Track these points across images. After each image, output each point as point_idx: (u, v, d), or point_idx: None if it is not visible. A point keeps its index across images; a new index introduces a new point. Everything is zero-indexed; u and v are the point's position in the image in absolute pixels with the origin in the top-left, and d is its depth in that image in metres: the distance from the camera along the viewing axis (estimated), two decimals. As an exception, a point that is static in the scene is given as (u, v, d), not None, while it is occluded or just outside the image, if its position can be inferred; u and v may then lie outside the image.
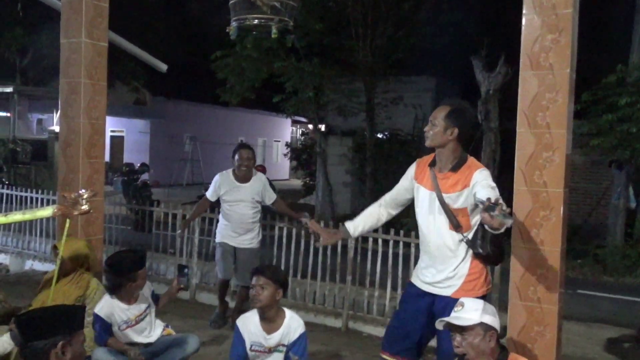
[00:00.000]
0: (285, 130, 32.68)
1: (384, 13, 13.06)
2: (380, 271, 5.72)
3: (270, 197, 5.40)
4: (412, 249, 5.36)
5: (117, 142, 24.29)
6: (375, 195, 13.17)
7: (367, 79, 13.55)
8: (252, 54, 12.72)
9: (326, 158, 14.97)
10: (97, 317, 3.66)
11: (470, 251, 3.02)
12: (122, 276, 3.64)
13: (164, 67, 8.58)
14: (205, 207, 5.65)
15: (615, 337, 5.58)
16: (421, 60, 15.61)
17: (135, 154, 21.99)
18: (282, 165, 31.46)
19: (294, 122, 28.91)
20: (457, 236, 3.01)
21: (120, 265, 3.67)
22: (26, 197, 8.05)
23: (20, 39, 20.34)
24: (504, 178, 9.86)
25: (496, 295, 5.06)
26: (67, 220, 3.60)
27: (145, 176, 14.70)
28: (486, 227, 2.66)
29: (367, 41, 13.13)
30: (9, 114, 19.86)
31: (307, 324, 3.58)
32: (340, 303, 5.89)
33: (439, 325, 2.75)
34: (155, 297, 3.99)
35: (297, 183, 22.83)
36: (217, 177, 5.33)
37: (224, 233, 5.32)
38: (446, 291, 3.05)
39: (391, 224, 5.06)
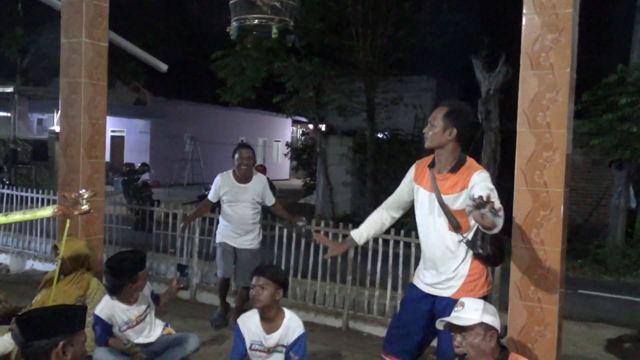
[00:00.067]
0: (286, 130, 32.68)
1: (384, 13, 13.07)
2: (380, 271, 5.72)
3: (270, 200, 5.40)
4: (413, 249, 5.36)
5: (118, 142, 24.30)
6: (375, 195, 13.24)
7: (367, 78, 13.55)
8: (252, 53, 12.74)
9: (326, 158, 14.98)
10: (97, 319, 3.66)
11: (471, 252, 3.01)
12: (122, 277, 3.64)
13: (164, 67, 8.57)
14: (208, 208, 5.65)
15: (615, 337, 5.58)
16: (421, 60, 15.61)
17: (135, 154, 22.00)
18: (282, 165, 31.46)
19: (295, 122, 28.91)
20: (457, 237, 3.01)
21: (120, 267, 3.66)
22: (26, 197, 8.05)
23: (21, 39, 20.33)
24: (504, 178, 9.86)
25: (496, 295, 5.06)
26: (68, 220, 3.60)
27: (145, 176, 14.71)
28: (478, 226, 2.66)
29: (368, 41, 13.13)
30: (9, 114, 19.85)
31: (307, 323, 3.59)
32: (340, 303, 5.89)
33: (439, 325, 2.75)
34: (155, 297, 3.99)
35: (297, 183, 22.84)
36: (217, 178, 5.33)
37: (225, 233, 5.32)
38: (446, 292, 3.05)
39: (391, 224, 5.08)
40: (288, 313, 3.46)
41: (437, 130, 3.02)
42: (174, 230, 6.95)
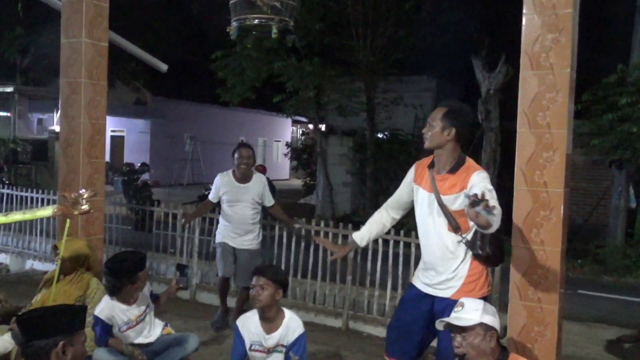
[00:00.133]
0: (286, 130, 32.69)
1: (384, 13, 13.07)
2: (380, 271, 5.72)
3: (269, 200, 5.39)
4: (413, 249, 5.36)
5: (118, 142, 24.30)
6: (375, 195, 13.25)
7: (367, 78, 13.56)
8: (252, 53, 12.75)
9: (326, 158, 14.98)
10: (97, 320, 3.66)
11: (470, 252, 3.01)
12: (122, 278, 3.64)
13: (164, 67, 8.57)
14: (209, 208, 5.66)
15: (615, 337, 5.58)
16: (421, 60, 15.63)
17: (135, 154, 22.00)
18: (282, 165, 31.47)
19: (295, 122, 28.93)
20: (456, 237, 3.01)
21: (120, 268, 3.66)
22: (26, 197, 8.05)
23: (21, 39, 20.33)
24: (504, 178, 9.89)
25: (496, 295, 5.06)
26: (68, 220, 3.60)
27: (145, 176, 14.71)
28: (474, 224, 2.66)
29: (368, 41, 13.14)
30: (9, 114, 19.86)
31: (307, 323, 3.59)
32: (340, 303, 5.89)
33: (439, 325, 2.75)
34: (154, 297, 3.99)
35: (297, 183, 22.85)
36: (217, 178, 5.33)
37: (224, 233, 5.31)
38: (446, 292, 3.05)
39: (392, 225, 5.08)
40: (288, 313, 3.46)
41: (436, 130, 3.02)
42: (174, 230, 6.95)
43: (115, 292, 3.69)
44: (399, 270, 5.56)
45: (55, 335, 2.18)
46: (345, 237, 5.75)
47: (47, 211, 3.60)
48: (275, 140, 32.29)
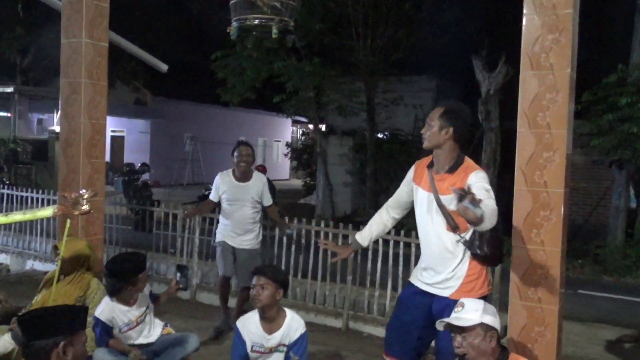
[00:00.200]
0: (286, 130, 32.69)
1: (384, 13, 13.08)
2: (380, 271, 5.72)
3: (268, 200, 5.35)
4: (413, 249, 5.36)
5: (118, 142, 24.30)
6: (375, 195, 13.26)
7: (367, 78, 13.57)
8: (252, 54, 12.75)
9: (326, 158, 14.99)
10: (98, 321, 3.65)
11: (469, 252, 3.02)
12: (122, 280, 3.63)
13: (164, 67, 8.57)
14: (210, 207, 5.62)
15: (615, 337, 5.58)
16: (421, 60, 15.64)
17: (135, 154, 22.00)
18: (282, 165, 31.47)
19: (295, 122, 28.93)
20: (455, 237, 3.01)
21: (121, 269, 3.65)
22: (27, 197, 8.05)
23: (21, 39, 20.36)
24: (504, 178, 9.89)
25: (496, 295, 5.06)
26: (68, 221, 3.60)
27: (145, 176, 14.72)
28: (471, 226, 2.66)
29: (368, 41, 13.15)
30: (9, 114, 19.88)
31: (307, 324, 3.58)
32: (340, 303, 5.89)
33: (439, 326, 2.75)
34: (153, 297, 3.99)
35: (297, 183, 22.85)
36: (217, 178, 5.32)
37: (224, 233, 5.29)
38: (445, 292, 3.05)
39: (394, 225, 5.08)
40: (290, 313, 3.46)
41: (434, 130, 3.04)
42: (174, 231, 6.95)
43: (115, 293, 3.68)
44: (399, 270, 5.56)
45: (56, 335, 2.18)
46: (345, 237, 5.75)
47: (47, 211, 3.60)
48: (276, 141, 32.30)
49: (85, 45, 4.66)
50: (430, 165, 3.14)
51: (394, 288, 5.62)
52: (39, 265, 7.66)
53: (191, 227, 6.70)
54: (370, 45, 13.20)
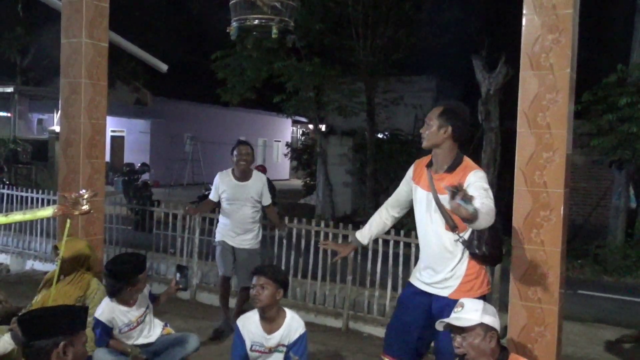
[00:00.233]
0: (286, 130, 32.69)
1: (384, 13, 13.08)
2: (380, 271, 5.72)
3: (267, 200, 5.33)
4: (413, 249, 5.36)
5: (118, 142, 24.30)
6: (375, 195, 13.25)
7: (367, 79, 13.57)
8: (252, 54, 12.75)
9: (326, 158, 14.99)
10: (98, 322, 3.65)
11: (468, 252, 3.02)
12: (122, 281, 3.63)
13: (164, 67, 8.57)
14: (210, 207, 5.59)
15: (615, 337, 5.58)
16: (421, 60, 15.64)
17: (135, 154, 22.00)
18: (282, 166, 31.47)
19: (295, 122, 28.93)
20: (454, 236, 3.02)
21: (121, 270, 3.65)
22: (27, 197, 8.05)
23: (21, 39, 20.37)
24: (504, 178, 9.89)
25: (496, 295, 5.06)
26: (68, 221, 3.60)
27: (145, 176, 14.73)
28: (469, 225, 2.66)
29: (368, 41, 13.15)
30: (9, 114, 19.89)
31: (307, 324, 3.59)
32: (340, 303, 5.89)
33: (439, 326, 2.75)
34: (153, 297, 3.99)
35: (297, 183, 22.85)
36: (216, 177, 5.31)
37: (224, 232, 5.27)
38: (444, 292, 3.05)
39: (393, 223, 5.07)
40: (290, 313, 3.46)
41: (432, 129, 3.05)
42: (174, 231, 6.95)
43: (115, 294, 3.68)
44: (399, 270, 5.56)
45: (56, 335, 2.18)
46: (345, 237, 5.75)
47: (47, 211, 3.60)
48: (276, 141, 32.30)
49: (85, 45, 4.66)
50: (429, 165, 3.15)
51: (394, 288, 5.62)
52: (39, 265, 7.66)
53: (191, 227, 6.70)
54: (371, 45, 13.20)
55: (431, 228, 3.09)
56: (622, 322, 6.42)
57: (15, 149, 18.24)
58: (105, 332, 3.66)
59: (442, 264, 3.06)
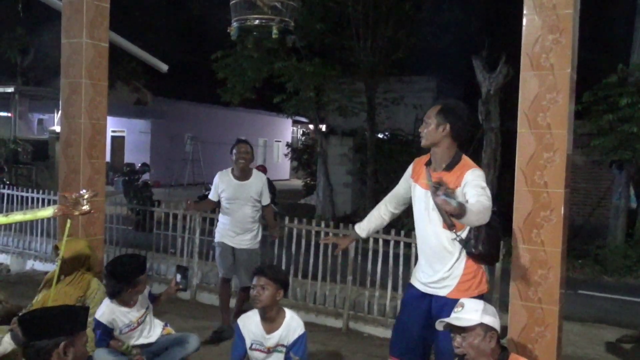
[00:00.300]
0: (286, 131, 32.69)
1: (384, 13, 13.07)
2: (380, 271, 5.72)
3: (265, 200, 5.30)
4: (413, 249, 5.35)
5: (118, 142, 24.31)
6: (376, 195, 13.23)
7: (367, 79, 13.56)
8: (252, 54, 12.75)
9: (327, 158, 14.98)
10: (98, 323, 3.65)
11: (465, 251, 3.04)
12: (122, 282, 3.63)
13: (164, 67, 8.58)
14: (210, 206, 5.55)
15: (616, 337, 5.57)
16: (422, 61, 15.63)
17: (136, 154, 22.00)
18: (282, 166, 31.47)
19: (295, 122, 28.93)
20: (451, 235, 3.03)
21: (121, 271, 3.65)
22: (27, 197, 8.05)
23: (21, 39, 20.36)
24: (505, 178, 9.89)
25: (497, 295, 5.06)
26: (68, 221, 3.60)
27: (146, 176, 14.71)
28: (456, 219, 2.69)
29: (368, 41, 13.14)
30: (10, 114, 19.88)
31: (307, 324, 3.59)
32: (340, 303, 5.89)
33: (439, 326, 2.76)
34: (152, 297, 3.99)
35: (297, 183, 22.85)
36: (216, 177, 5.29)
37: (223, 232, 5.25)
38: (442, 291, 3.07)
39: (392, 224, 5.07)
40: (289, 313, 3.46)
41: (431, 127, 3.06)
42: (175, 231, 6.95)
43: (115, 295, 3.68)
44: (400, 270, 5.56)
45: (57, 335, 2.18)
46: (345, 237, 5.73)
47: (47, 211, 3.60)
48: (276, 141, 32.30)
49: (85, 45, 4.66)
50: (428, 163, 3.16)
51: (394, 288, 5.62)
52: (39, 266, 7.66)
53: (191, 227, 6.70)
54: (371, 45, 13.19)
55: (429, 226, 3.10)
56: (623, 322, 6.41)
57: (15, 149, 18.24)
58: (105, 333, 3.66)
59: (440, 262, 3.07)
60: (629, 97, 9.35)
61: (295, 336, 3.39)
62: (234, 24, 3.69)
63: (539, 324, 3.26)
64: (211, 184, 5.43)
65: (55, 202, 7.06)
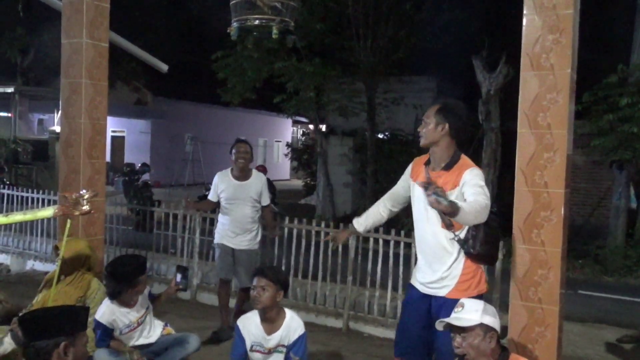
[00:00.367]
0: (286, 131, 32.69)
1: (384, 13, 13.07)
2: (381, 271, 5.72)
3: (265, 200, 5.29)
4: (413, 250, 5.33)
5: (118, 143, 24.31)
6: (376, 195, 13.20)
7: (368, 79, 13.56)
8: (252, 54, 12.75)
9: (327, 158, 14.98)
10: (98, 324, 3.65)
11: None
12: (123, 283, 3.63)
13: (164, 67, 8.58)
14: (210, 206, 5.54)
15: (616, 338, 5.57)
16: (422, 61, 15.62)
17: (136, 154, 22.00)
18: (283, 166, 31.47)
19: (295, 123, 28.92)
20: (450, 235, 3.03)
21: (121, 272, 3.65)
22: (27, 197, 8.05)
23: (22, 39, 20.36)
24: (505, 178, 9.88)
25: (497, 295, 5.06)
26: (68, 221, 3.60)
27: (146, 176, 14.71)
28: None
29: (368, 41, 13.14)
30: (10, 114, 19.89)
31: (308, 324, 3.59)
32: (341, 303, 5.89)
33: (439, 326, 2.76)
34: (152, 297, 3.99)
35: (298, 183, 22.85)
36: (215, 177, 5.29)
37: (222, 233, 5.23)
38: (441, 292, 3.07)
39: (392, 224, 5.08)
40: (289, 313, 3.46)
41: (430, 127, 3.08)
42: (175, 231, 6.95)
43: (116, 296, 3.68)
44: (400, 270, 5.56)
45: (57, 335, 2.18)
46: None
47: (47, 212, 3.60)
48: (276, 141, 32.30)
49: (85, 45, 4.66)
50: (427, 163, 3.17)
51: (395, 288, 5.62)
52: (39, 266, 7.66)
53: (191, 227, 6.70)
54: (371, 45, 13.19)
55: (428, 226, 3.11)
56: (623, 322, 6.41)
57: (15, 149, 18.24)
58: (106, 334, 3.67)
59: (438, 262, 3.08)
60: (629, 97, 9.34)
61: (296, 336, 3.39)
62: (234, 24, 3.69)
63: (539, 324, 3.26)
64: (211, 184, 5.43)
65: (55, 202, 7.06)
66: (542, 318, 3.25)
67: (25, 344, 2.23)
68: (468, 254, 3.00)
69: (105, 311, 3.67)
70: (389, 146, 14.72)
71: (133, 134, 24.21)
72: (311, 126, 20.66)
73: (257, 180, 5.24)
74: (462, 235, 3.01)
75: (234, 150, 5.19)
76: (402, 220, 5.73)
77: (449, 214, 2.59)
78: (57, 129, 16.07)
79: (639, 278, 9.43)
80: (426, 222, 3.11)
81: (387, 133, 15.79)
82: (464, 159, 3.08)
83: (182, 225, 6.84)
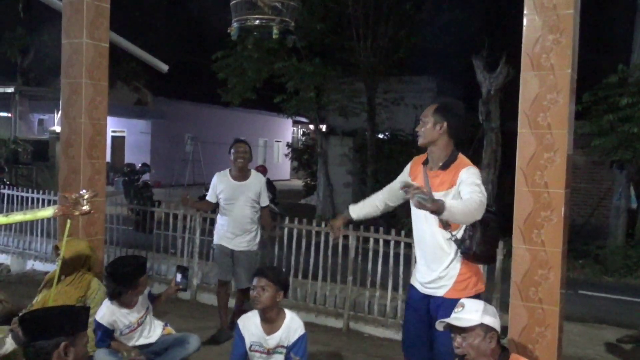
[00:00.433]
0: (287, 131, 32.70)
1: (385, 13, 13.07)
2: (381, 271, 5.72)
3: (264, 201, 5.28)
4: (413, 250, 5.33)
5: (118, 143, 24.31)
6: (376, 195, 13.23)
7: (368, 79, 13.55)
8: (253, 54, 12.74)
9: (327, 158, 14.99)
10: (98, 325, 3.65)
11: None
12: (123, 283, 3.63)
13: (165, 67, 8.59)
14: (209, 207, 5.53)
15: (616, 338, 5.57)
16: (422, 61, 15.61)
17: (136, 154, 22.01)
18: (283, 166, 31.47)
19: (295, 123, 28.92)
20: (447, 234, 3.03)
21: (121, 273, 3.65)
22: (27, 197, 8.06)
23: (22, 39, 20.38)
24: (505, 178, 9.88)
25: (497, 295, 5.06)
26: (68, 221, 3.60)
27: (146, 176, 14.71)
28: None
29: (368, 41, 13.14)
30: (10, 114, 19.91)
31: (308, 324, 3.59)
32: (341, 303, 5.89)
33: (439, 326, 2.76)
34: (152, 297, 3.99)
35: (298, 183, 22.86)
36: (214, 177, 5.28)
37: (221, 234, 5.22)
38: (439, 291, 3.08)
39: (392, 224, 5.08)
40: (289, 313, 3.46)
41: (428, 126, 3.10)
42: (175, 231, 6.95)
43: (116, 296, 3.68)
44: (400, 270, 5.56)
45: (58, 335, 2.18)
46: (345, 237, 5.73)
47: (47, 212, 3.60)
48: (276, 141, 32.30)
49: (86, 45, 4.66)
50: (425, 162, 3.17)
51: (395, 289, 5.62)
52: (39, 266, 7.66)
53: (192, 227, 6.70)
54: (371, 45, 13.19)
55: (426, 226, 3.12)
56: (623, 322, 6.41)
57: (15, 149, 18.25)
58: (106, 335, 3.67)
59: (436, 261, 3.09)
60: (630, 97, 9.34)
61: (296, 337, 3.38)
62: (235, 24, 3.69)
63: (539, 324, 3.26)
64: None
65: (55, 202, 7.06)
66: (543, 318, 3.25)
67: (26, 344, 2.22)
68: (465, 254, 3.01)
69: (106, 312, 3.67)
70: (389, 146, 14.72)
71: (133, 134, 24.22)
72: (311, 126, 20.66)
73: (256, 181, 5.23)
74: (459, 235, 3.02)
75: (232, 150, 5.18)
76: (402, 220, 5.73)
77: (434, 213, 2.61)
78: (57, 129, 16.09)
79: (639, 278, 9.42)
80: (424, 222, 3.12)
81: (387, 133, 15.79)
82: (461, 158, 3.09)
83: (182, 225, 6.84)
